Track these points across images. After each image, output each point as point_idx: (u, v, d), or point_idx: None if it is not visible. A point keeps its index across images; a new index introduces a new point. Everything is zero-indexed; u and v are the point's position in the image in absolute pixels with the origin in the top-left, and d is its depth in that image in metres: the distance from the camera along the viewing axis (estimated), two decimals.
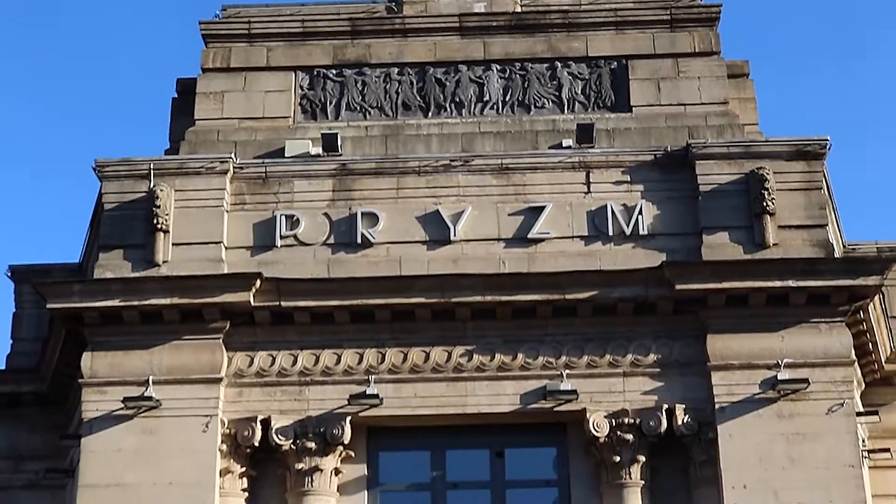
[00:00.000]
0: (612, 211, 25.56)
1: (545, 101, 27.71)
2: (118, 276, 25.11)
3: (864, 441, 25.37)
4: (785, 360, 24.30)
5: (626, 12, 28.40)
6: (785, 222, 25.20)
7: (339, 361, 24.91)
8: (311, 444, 24.34)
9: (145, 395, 24.36)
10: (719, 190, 25.42)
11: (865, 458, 25.20)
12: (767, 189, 25.12)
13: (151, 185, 25.61)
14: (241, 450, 24.50)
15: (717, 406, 24.20)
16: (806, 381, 24.11)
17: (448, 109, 27.72)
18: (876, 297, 25.48)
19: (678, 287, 24.46)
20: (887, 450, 26.34)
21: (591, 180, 25.90)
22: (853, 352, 24.84)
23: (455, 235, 25.53)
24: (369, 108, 27.79)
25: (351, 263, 25.37)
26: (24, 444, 28.07)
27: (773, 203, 25.11)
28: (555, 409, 24.62)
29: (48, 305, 25.24)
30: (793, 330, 24.60)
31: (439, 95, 27.83)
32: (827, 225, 25.50)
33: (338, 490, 24.61)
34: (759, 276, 24.51)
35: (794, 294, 24.50)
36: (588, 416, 24.38)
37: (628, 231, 25.42)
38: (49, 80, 69.03)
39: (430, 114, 27.66)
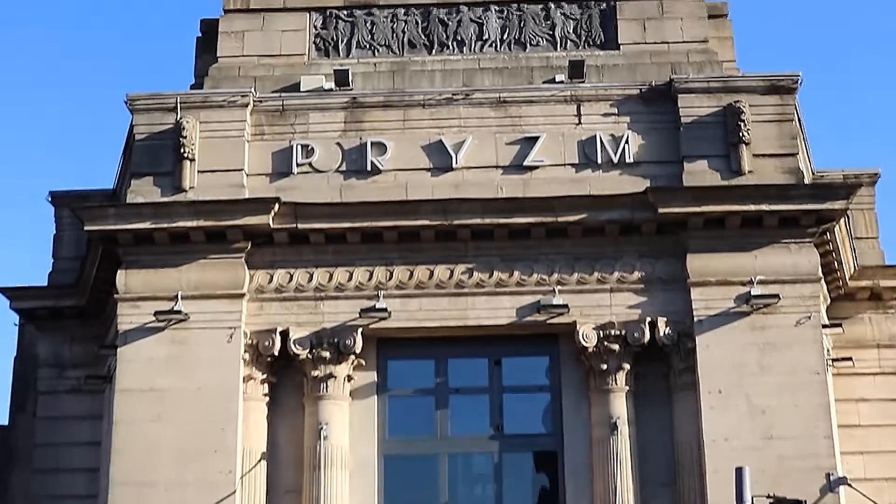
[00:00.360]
0: (601, 141, 25.83)
1: (540, 39, 27.86)
2: (149, 200, 25.47)
3: (828, 351, 25.92)
4: (758, 277, 24.74)
5: None
6: (759, 151, 25.50)
7: (350, 278, 25.28)
8: (326, 354, 24.83)
9: (175, 309, 24.82)
10: (699, 121, 25.71)
11: (829, 366, 25.74)
12: (743, 121, 25.39)
13: (178, 118, 25.87)
14: (263, 358, 25.01)
15: (695, 319, 24.67)
16: (777, 296, 24.58)
17: (450, 47, 27.86)
18: (842, 220, 25.89)
19: (661, 210, 24.84)
20: (849, 359, 26.92)
21: (581, 112, 26.15)
22: (820, 269, 25.30)
23: (457, 163, 25.82)
24: (378, 46, 27.93)
25: (361, 189, 25.69)
26: (66, 353, 28.60)
27: (748, 133, 25.40)
28: (547, 321, 25.08)
29: (86, 228, 25.59)
30: (765, 249, 25.00)
31: (442, 34, 27.96)
32: (797, 154, 25.79)
33: (350, 395, 25.13)
34: (735, 200, 24.86)
35: (767, 217, 24.88)
36: (578, 327, 24.85)
37: (615, 159, 25.71)
38: (89, 22, 69.54)
39: (433, 51, 27.83)
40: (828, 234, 25.59)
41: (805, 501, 18.74)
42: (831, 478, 23.75)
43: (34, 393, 28.95)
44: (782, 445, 23.89)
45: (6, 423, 30.02)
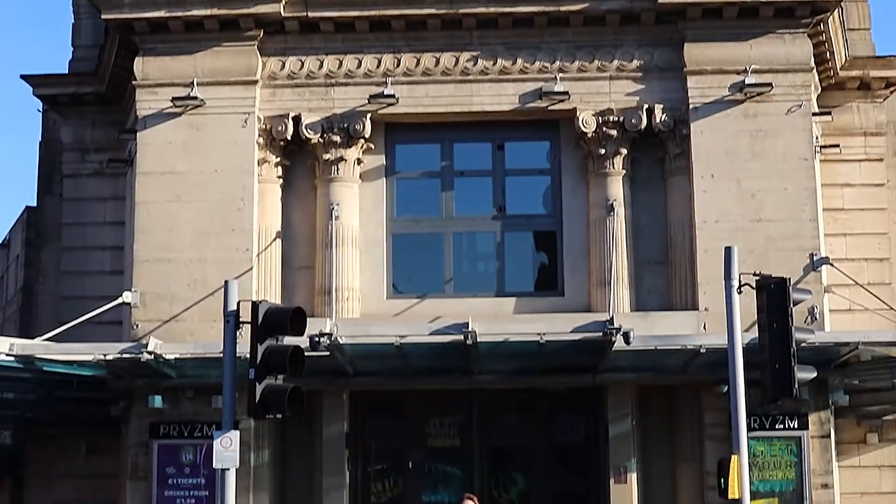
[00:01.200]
0: None
1: None
2: None
3: (817, 138, 25.50)
4: (752, 66, 24.11)
5: None
6: None
7: (359, 65, 24.71)
8: (336, 138, 24.45)
9: (191, 95, 24.32)
10: None
11: (818, 152, 25.36)
12: None
13: None
14: (276, 142, 24.64)
15: (690, 106, 24.18)
16: (770, 84, 24.03)
17: None
18: (835, 11, 25.06)
19: (660, 0, 24.08)
20: (837, 146, 26.50)
21: None
22: (812, 59, 24.69)
23: None
24: None
25: None
26: (88, 138, 28.12)
27: None
28: (549, 107, 24.53)
29: (103, 16, 24.86)
30: (760, 39, 24.32)
31: None
32: None
33: (360, 177, 24.83)
34: None
35: (763, 7, 24.11)
36: (578, 113, 24.36)
37: None
38: None
39: None
40: (821, 24, 24.80)
41: (789, 279, 18.47)
42: (814, 258, 23.66)
43: (60, 176, 28.68)
44: (770, 227, 23.70)
45: (35, 204, 29.90)
